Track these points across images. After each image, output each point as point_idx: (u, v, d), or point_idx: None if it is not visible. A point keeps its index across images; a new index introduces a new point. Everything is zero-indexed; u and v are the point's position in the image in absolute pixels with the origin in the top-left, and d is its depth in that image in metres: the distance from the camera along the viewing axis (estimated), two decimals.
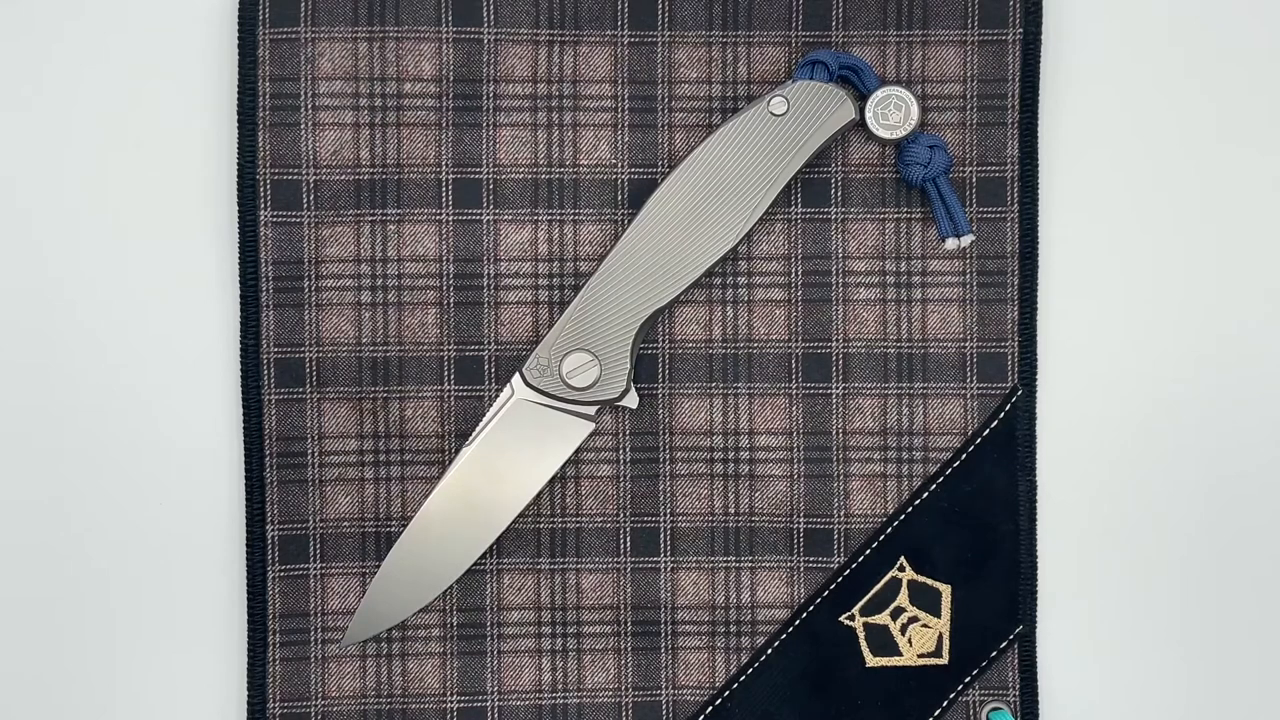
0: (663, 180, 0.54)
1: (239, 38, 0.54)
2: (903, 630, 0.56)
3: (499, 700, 0.56)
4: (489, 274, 0.55)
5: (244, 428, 0.55)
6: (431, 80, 0.55)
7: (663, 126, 0.55)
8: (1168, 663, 0.57)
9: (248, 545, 0.55)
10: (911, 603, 0.56)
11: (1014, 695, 0.56)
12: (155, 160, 0.56)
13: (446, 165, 0.55)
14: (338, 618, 0.56)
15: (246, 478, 0.55)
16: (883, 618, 0.56)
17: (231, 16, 0.55)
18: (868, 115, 0.54)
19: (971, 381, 0.56)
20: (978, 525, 0.56)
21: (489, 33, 0.55)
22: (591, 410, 0.54)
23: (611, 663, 0.56)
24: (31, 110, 0.56)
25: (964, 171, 0.56)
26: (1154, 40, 0.57)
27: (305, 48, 0.54)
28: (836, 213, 0.56)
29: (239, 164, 0.54)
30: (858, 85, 0.55)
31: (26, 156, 0.56)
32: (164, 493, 0.56)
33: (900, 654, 0.56)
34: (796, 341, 0.56)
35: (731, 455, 0.56)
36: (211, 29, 0.56)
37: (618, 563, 0.56)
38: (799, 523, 0.56)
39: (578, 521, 0.56)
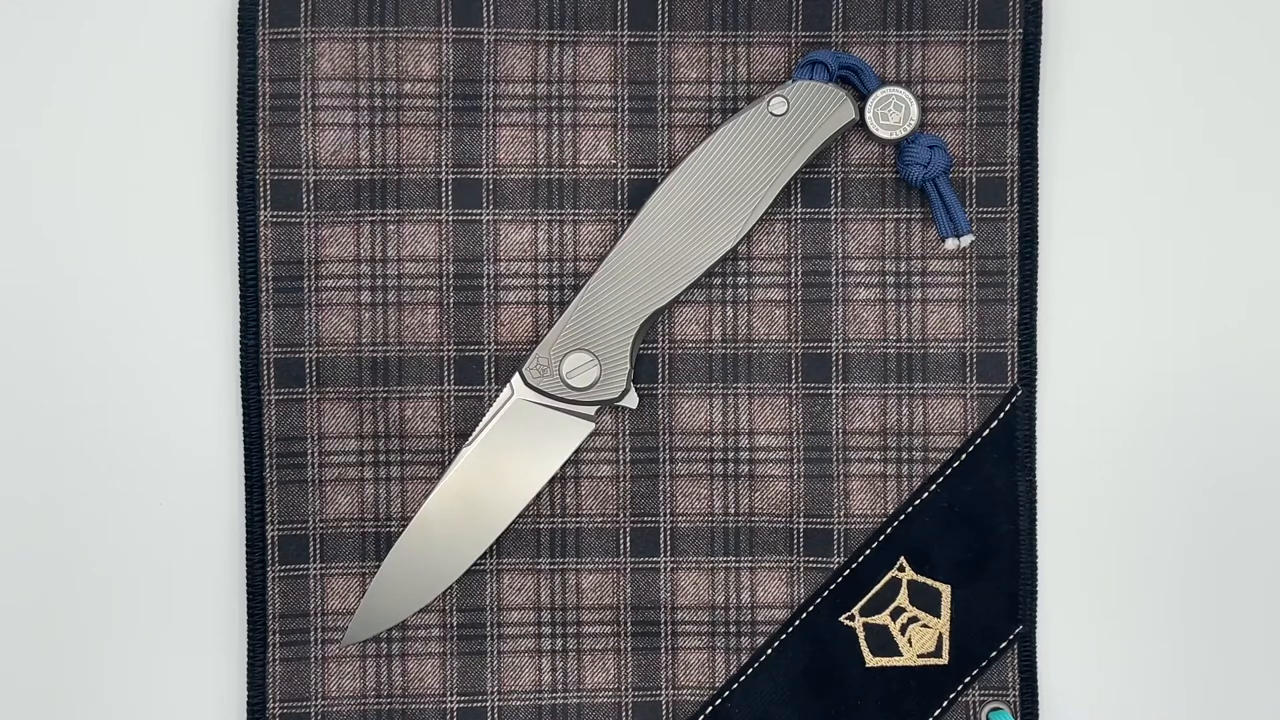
0: (663, 180, 0.54)
1: (239, 38, 0.54)
2: (903, 630, 0.56)
3: (499, 700, 0.56)
4: (489, 274, 0.55)
5: (244, 428, 0.55)
6: (431, 80, 0.55)
7: (663, 126, 0.55)
8: (1168, 663, 0.57)
9: (248, 545, 0.55)
10: (911, 603, 0.56)
11: (1014, 695, 0.56)
12: (155, 160, 0.56)
13: (446, 165, 0.55)
14: (338, 618, 0.56)
15: (246, 478, 0.55)
16: (883, 618, 0.56)
17: (231, 17, 0.55)
18: (868, 115, 0.54)
19: (971, 381, 0.56)
20: (978, 525, 0.56)
21: (489, 33, 0.55)
22: (591, 410, 0.54)
23: (611, 663, 0.56)
24: (32, 110, 0.56)
25: (964, 171, 0.56)
26: (1154, 41, 0.57)
27: (305, 48, 0.54)
28: (836, 213, 0.56)
29: (239, 164, 0.54)
30: (858, 85, 0.54)
31: (27, 156, 0.56)
32: (164, 493, 0.56)
33: (900, 654, 0.56)
34: (796, 341, 0.56)
35: (731, 455, 0.56)
36: (211, 29, 0.56)
37: (617, 563, 0.56)
38: (799, 523, 0.56)
39: (578, 521, 0.56)
